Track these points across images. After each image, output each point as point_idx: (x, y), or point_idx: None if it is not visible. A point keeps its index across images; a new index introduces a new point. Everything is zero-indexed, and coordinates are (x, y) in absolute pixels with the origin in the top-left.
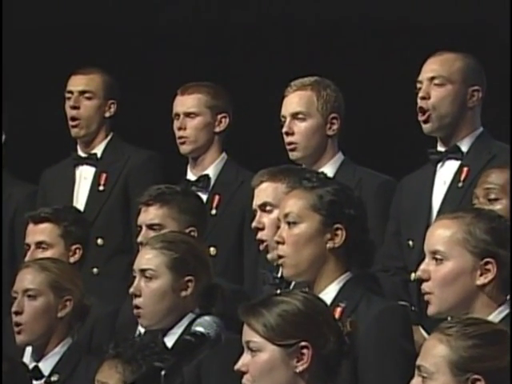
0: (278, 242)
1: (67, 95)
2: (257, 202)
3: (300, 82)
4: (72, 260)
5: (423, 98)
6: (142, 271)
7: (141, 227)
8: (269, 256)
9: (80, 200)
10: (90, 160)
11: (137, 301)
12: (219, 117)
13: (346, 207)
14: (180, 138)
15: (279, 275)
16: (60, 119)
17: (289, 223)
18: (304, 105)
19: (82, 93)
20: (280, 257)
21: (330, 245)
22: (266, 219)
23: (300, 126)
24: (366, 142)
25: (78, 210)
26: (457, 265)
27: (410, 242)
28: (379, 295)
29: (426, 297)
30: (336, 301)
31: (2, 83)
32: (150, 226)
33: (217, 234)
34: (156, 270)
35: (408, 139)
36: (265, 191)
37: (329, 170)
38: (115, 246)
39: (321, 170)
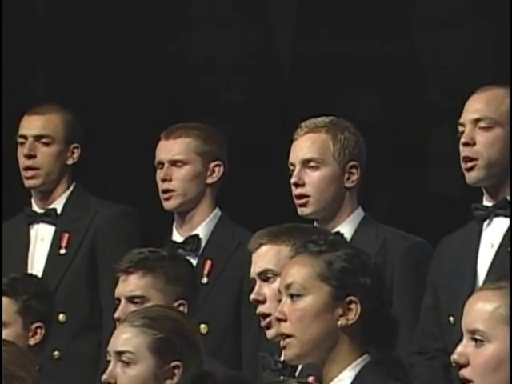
0: (279, 319)
1: (20, 140)
2: (255, 269)
3: (312, 123)
4: (32, 342)
5: (467, 145)
6: (119, 354)
7: (119, 300)
8: (268, 334)
9: (36, 266)
10: (48, 217)
11: None
12: (212, 165)
13: (360, 276)
14: (164, 191)
15: (282, 359)
16: (10, 166)
17: (292, 296)
18: (317, 150)
19: (38, 137)
20: (281, 336)
21: (342, 322)
22: (266, 290)
23: (312, 176)
24: (390, 195)
25: (40, 280)
26: (500, 347)
27: (451, 318)
28: None
29: None
30: None
31: None
32: (131, 299)
33: (209, 308)
34: (135, 352)
35: (445, 191)
36: (265, 256)
37: (346, 229)
38: (81, 323)
39: (336, 229)
